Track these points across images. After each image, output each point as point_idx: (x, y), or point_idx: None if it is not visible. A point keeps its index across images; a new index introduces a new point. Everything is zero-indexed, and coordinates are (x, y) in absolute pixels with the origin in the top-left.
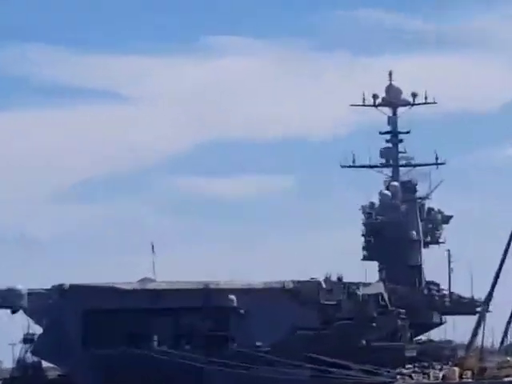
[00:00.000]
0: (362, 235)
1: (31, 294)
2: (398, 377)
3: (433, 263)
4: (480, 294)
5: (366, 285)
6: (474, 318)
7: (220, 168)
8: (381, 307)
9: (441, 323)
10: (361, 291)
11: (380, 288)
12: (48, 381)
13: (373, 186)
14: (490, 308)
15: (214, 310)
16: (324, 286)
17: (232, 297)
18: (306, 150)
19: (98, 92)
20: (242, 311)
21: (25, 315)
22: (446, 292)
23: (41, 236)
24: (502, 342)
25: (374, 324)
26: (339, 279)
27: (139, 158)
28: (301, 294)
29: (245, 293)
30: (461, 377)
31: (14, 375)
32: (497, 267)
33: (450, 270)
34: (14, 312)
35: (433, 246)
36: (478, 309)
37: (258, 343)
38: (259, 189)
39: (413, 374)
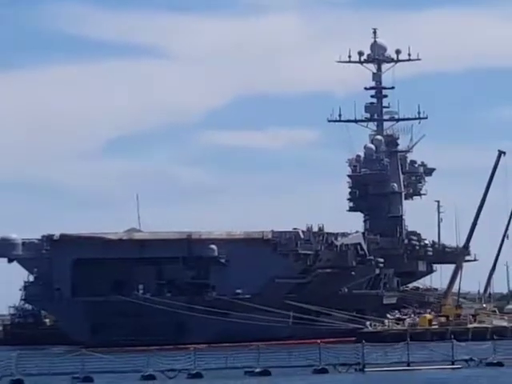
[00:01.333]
0: (349, 187)
1: (24, 243)
2: (367, 323)
3: (418, 214)
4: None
5: (344, 235)
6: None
7: (254, 121)
8: (360, 256)
9: (428, 272)
10: (339, 241)
11: (359, 238)
12: (47, 327)
13: (360, 141)
14: (477, 257)
15: (196, 259)
16: (302, 236)
17: (213, 246)
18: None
19: (139, 48)
20: (222, 260)
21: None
22: (428, 242)
23: (76, 188)
24: (485, 290)
25: (352, 273)
26: (320, 230)
27: (175, 113)
28: (279, 244)
29: (225, 243)
30: (430, 323)
31: (15, 322)
32: (474, 216)
33: (440, 220)
34: (10, 261)
35: (417, 198)
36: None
37: (237, 291)
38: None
39: (386, 321)
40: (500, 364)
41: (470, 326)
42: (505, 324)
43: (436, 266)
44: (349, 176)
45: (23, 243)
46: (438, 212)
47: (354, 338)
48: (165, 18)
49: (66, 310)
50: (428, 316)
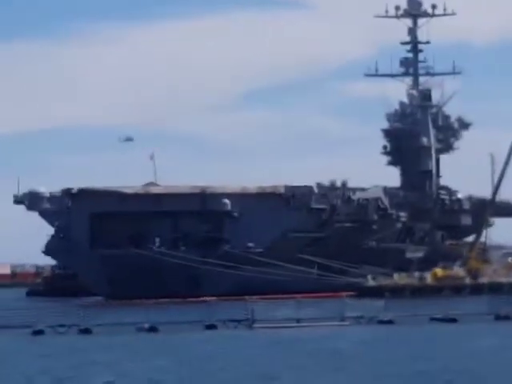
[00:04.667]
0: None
1: (48, 197)
2: (369, 277)
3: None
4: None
5: (363, 190)
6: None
7: None
8: (381, 210)
9: (476, 227)
10: (356, 196)
11: (378, 192)
12: None
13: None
14: None
15: (210, 213)
16: (316, 191)
17: (226, 201)
18: None
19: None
20: (235, 214)
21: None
22: (461, 196)
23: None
24: None
25: (374, 227)
26: (343, 185)
27: (312, 64)
28: (293, 199)
29: (239, 197)
30: (439, 278)
31: (55, 274)
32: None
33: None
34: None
35: (454, 152)
36: None
37: (249, 244)
38: None
39: (395, 274)
40: (391, 322)
41: (466, 282)
42: (502, 280)
43: (493, 220)
44: (382, 130)
45: (48, 197)
46: (492, 165)
47: (353, 293)
48: None
49: (84, 263)
50: (438, 271)
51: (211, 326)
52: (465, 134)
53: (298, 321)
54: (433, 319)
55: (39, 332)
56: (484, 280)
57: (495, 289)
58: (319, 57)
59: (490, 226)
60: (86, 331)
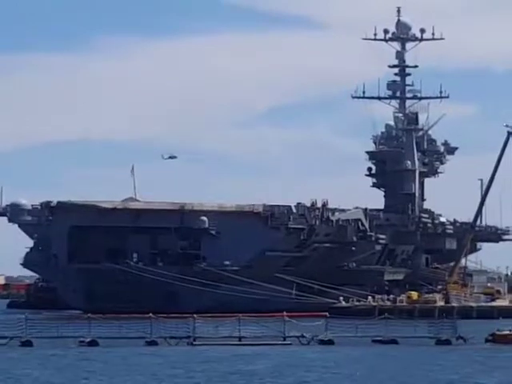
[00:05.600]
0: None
1: (28, 210)
2: (341, 298)
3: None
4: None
5: (343, 211)
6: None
7: None
8: (361, 232)
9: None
10: (336, 216)
11: (359, 214)
12: None
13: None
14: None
15: (188, 230)
16: (295, 210)
17: (204, 218)
18: None
19: (296, 19)
20: (213, 232)
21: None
22: (445, 220)
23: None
24: None
25: (353, 248)
26: (323, 205)
27: (331, 82)
28: (271, 218)
29: (216, 215)
30: (412, 300)
31: (38, 286)
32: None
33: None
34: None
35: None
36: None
37: (226, 262)
38: None
39: (369, 297)
40: (331, 342)
41: (437, 304)
42: (471, 304)
43: (481, 245)
44: (367, 152)
45: (28, 210)
46: (481, 191)
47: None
48: None
49: (62, 277)
50: (413, 294)
51: (152, 342)
52: (451, 158)
53: (239, 339)
54: (374, 341)
55: None
56: (454, 304)
57: (464, 313)
58: (338, 76)
59: (477, 250)
60: (27, 343)
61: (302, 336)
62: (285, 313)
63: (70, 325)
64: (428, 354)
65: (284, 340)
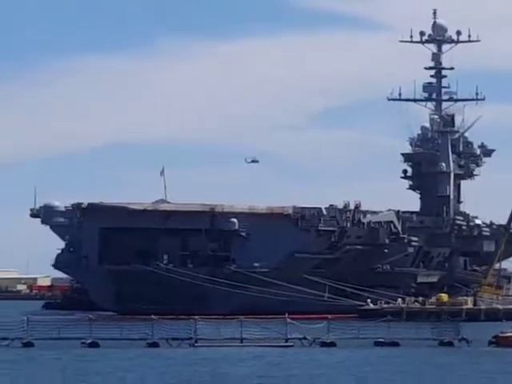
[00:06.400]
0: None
1: (61, 211)
2: (369, 300)
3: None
4: None
5: (375, 213)
6: None
7: None
8: (393, 234)
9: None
10: (367, 219)
11: (391, 216)
12: None
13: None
14: None
15: (218, 231)
16: (325, 213)
17: (234, 220)
18: None
19: (353, 19)
20: (243, 234)
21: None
22: (479, 222)
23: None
24: None
25: (385, 250)
26: (356, 207)
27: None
28: (301, 220)
29: (247, 216)
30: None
31: (73, 287)
32: None
33: None
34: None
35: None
36: None
37: (255, 264)
38: None
39: (400, 299)
40: (333, 344)
41: (464, 307)
42: (499, 307)
43: None
44: (402, 154)
45: (61, 211)
46: None
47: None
48: None
49: (92, 278)
50: (443, 296)
51: (153, 344)
52: (487, 160)
53: (241, 341)
54: (377, 343)
55: None
56: (482, 306)
57: (491, 315)
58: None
59: None
60: (29, 345)
61: (304, 338)
62: (286, 314)
63: (71, 326)
64: (428, 355)
65: (286, 342)
